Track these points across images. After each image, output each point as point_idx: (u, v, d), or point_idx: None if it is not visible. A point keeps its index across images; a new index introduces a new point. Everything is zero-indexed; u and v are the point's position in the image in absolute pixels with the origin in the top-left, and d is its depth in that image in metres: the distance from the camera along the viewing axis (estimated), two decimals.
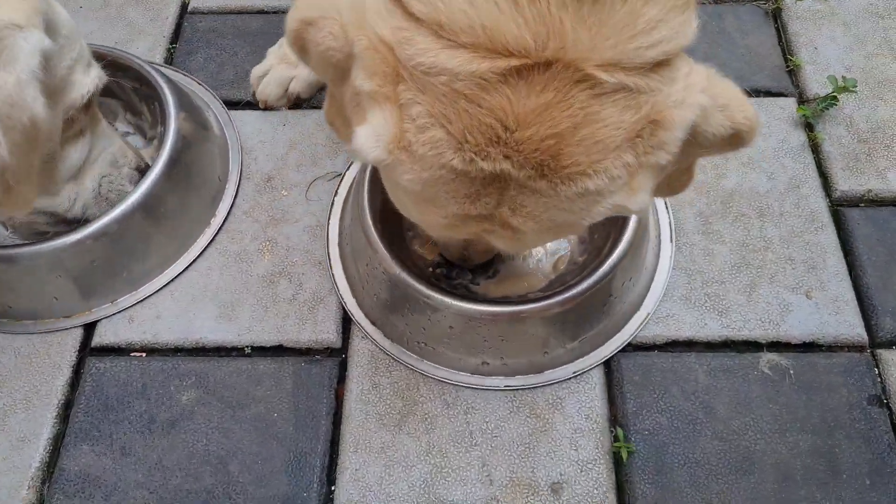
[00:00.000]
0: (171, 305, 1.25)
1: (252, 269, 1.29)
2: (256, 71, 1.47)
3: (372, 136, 0.69)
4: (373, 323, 1.22)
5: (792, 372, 1.17)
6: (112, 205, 1.19)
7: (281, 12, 1.62)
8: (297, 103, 1.48)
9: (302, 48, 0.76)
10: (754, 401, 1.15)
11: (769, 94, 1.47)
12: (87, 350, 1.22)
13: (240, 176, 1.38)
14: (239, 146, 1.41)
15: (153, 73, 1.32)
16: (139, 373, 1.19)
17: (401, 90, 0.68)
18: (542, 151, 0.67)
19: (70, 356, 1.21)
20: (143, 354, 1.21)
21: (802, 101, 1.46)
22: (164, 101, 1.29)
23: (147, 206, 1.22)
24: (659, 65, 0.67)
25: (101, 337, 1.23)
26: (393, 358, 1.19)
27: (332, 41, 0.71)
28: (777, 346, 1.20)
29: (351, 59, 0.71)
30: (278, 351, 1.22)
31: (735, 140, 0.74)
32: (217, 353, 1.21)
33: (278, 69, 1.44)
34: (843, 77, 1.39)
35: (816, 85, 1.46)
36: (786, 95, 1.47)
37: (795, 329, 1.21)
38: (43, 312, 1.23)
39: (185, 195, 1.28)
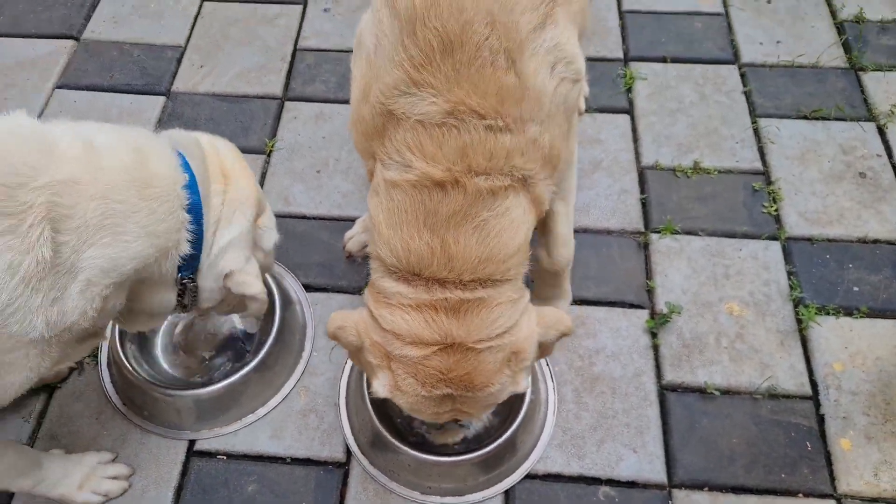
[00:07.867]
0: (242, 427, 2.02)
1: (293, 406, 2.06)
2: (347, 234, 2.33)
3: (381, 386, 1.51)
4: (364, 454, 1.98)
5: (617, 500, 1.95)
6: None
7: (321, 218, 2.41)
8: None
9: (336, 338, 1.55)
10: None
11: (633, 306, 2.27)
12: (192, 452, 1.98)
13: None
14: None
15: None
16: (223, 469, 1.95)
17: (392, 364, 1.49)
18: (463, 381, 1.46)
19: (181, 456, 1.97)
20: (224, 457, 1.97)
21: (653, 314, 2.25)
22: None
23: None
24: (506, 331, 1.46)
25: (199, 444, 1.99)
26: (373, 479, 1.95)
27: (354, 339, 1.53)
28: (611, 482, 1.97)
29: (362, 347, 1.52)
30: (307, 462, 1.98)
31: (563, 338, 1.52)
32: (270, 461, 1.98)
33: (361, 236, 2.29)
34: (674, 304, 2.20)
35: (662, 304, 2.26)
36: (643, 308, 2.27)
37: (624, 472, 1.98)
38: (172, 425, 2.01)
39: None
